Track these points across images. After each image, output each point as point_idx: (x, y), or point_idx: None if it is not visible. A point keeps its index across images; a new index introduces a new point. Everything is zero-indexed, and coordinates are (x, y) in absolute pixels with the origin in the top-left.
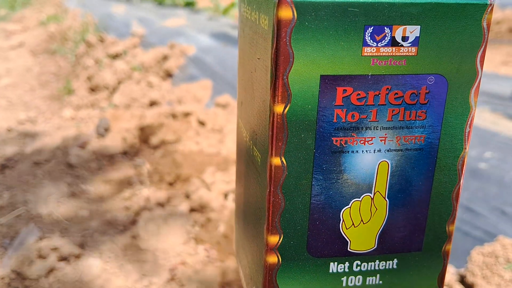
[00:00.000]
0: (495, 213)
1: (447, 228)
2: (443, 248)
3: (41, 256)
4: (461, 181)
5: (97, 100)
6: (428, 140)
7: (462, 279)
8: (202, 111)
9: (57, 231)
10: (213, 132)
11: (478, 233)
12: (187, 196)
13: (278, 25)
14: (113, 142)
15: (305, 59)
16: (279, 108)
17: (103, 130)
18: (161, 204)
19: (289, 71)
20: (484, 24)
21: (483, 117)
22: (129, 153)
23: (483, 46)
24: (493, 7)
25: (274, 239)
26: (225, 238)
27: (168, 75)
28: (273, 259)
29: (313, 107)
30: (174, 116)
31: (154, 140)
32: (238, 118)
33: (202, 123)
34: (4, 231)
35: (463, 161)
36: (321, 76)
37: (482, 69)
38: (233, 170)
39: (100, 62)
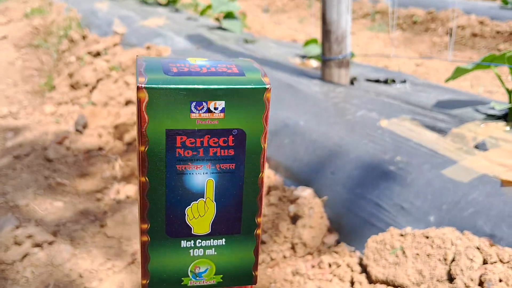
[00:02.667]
0: (395, 208)
1: (256, 220)
2: (255, 232)
3: (17, 243)
4: (263, 191)
5: (77, 97)
6: (236, 167)
7: (360, 261)
8: None
9: (33, 221)
10: None
11: (381, 224)
12: None
13: (138, 100)
14: (90, 138)
15: (155, 120)
16: (142, 148)
17: (81, 127)
18: (129, 197)
19: (146, 127)
20: (265, 99)
21: (402, 125)
22: (103, 149)
23: (266, 111)
24: (270, 89)
25: (144, 226)
26: None
27: None
28: (144, 238)
29: (163, 148)
30: None
31: (128, 137)
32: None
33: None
34: None
35: (262, 179)
36: (166, 129)
37: (267, 124)
38: None
39: (81, 59)
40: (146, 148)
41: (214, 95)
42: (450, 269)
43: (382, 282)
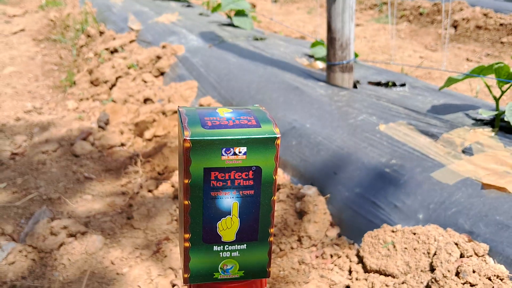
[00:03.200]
0: (389, 206)
1: (269, 231)
2: (268, 239)
3: (53, 233)
4: (274, 209)
5: (97, 93)
6: (255, 192)
7: (357, 253)
8: None
9: (65, 213)
10: None
11: (377, 221)
12: (172, 186)
13: (184, 148)
14: (112, 134)
15: (196, 161)
16: (186, 181)
17: (103, 123)
18: (151, 191)
19: (189, 166)
20: (276, 144)
21: (399, 130)
22: (125, 145)
23: (277, 153)
24: (279, 137)
25: (187, 236)
26: None
27: (161, 73)
28: (187, 244)
29: (201, 180)
30: (164, 113)
31: (147, 134)
32: (178, 178)
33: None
34: (20, 212)
35: (273, 201)
36: (204, 168)
37: (278, 163)
38: None
39: (99, 55)
40: (189, 181)
41: (238, 143)
42: (432, 262)
43: (376, 271)
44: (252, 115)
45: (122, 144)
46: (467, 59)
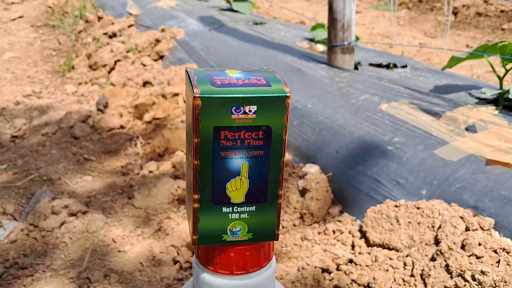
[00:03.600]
0: (392, 183)
1: (278, 192)
2: (277, 201)
3: (54, 213)
4: (283, 170)
5: (95, 77)
6: (264, 153)
7: (360, 229)
8: None
9: (66, 193)
10: None
11: (379, 197)
12: (173, 166)
13: (194, 106)
14: (112, 117)
15: (205, 120)
16: (195, 140)
17: (102, 106)
18: (151, 172)
19: (199, 125)
20: (286, 103)
21: (401, 108)
22: (125, 127)
23: (287, 113)
24: (290, 96)
25: (196, 196)
26: None
27: (160, 57)
28: (195, 205)
29: (211, 140)
30: (163, 96)
31: (147, 117)
32: (185, 139)
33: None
34: (21, 193)
35: (283, 162)
36: (214, 126)
37: (288, 122)
38: None
39: (98, 40)
40: (199, 140)
41: (249, 101)
42: (437, 235)
43: (379, 246)
44: (261, 75)
45: (122, 127)
46: (467, 46)
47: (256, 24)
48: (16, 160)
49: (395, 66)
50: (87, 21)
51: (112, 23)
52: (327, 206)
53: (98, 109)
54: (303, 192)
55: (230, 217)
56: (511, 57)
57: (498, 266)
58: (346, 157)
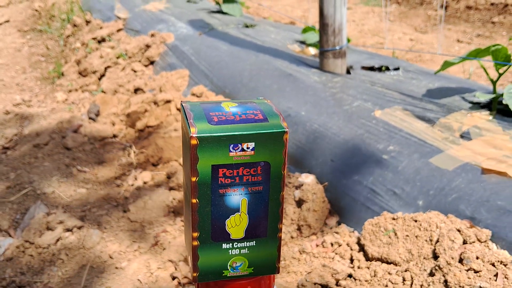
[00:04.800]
0: (388, 193)
1: (278, 226)
2: (277, 235)
3: (50, 228)
4: (283, 205)
5: (86, 84)
6: (264, 189)
7: (358, 241)
8: (180, 99)
9: (60, 207)
10: None
11: (376, 208)
12: (168, 177)
13: (191, 146)
14: (104, 126)
15: (203, 158)
16: (193, 179)
17: (94, 115)
18: (146, 183)
19: (197, 163)
20: (284, 139)
21: (395, 115)
22: (117, 136)
23: (285, 147)
24: (288, 132)
25: (195, 234)
26: None
27: (150, 62)
28: (195, 243)
29: (209, 178)
30: (156, 103)
31: (139, 125)
32: (183, 175)
33: (180, 111)
34: (15, 208)
35: (282, 196)
36: (212, 165)
37: (286, 158)
38: None
39: (86, 45)
40: (197, 179)
41: (247, 138)
42: (435, 249)
43: (377, 259)
44: (258, 109)
45: (114, 136)
46: (458, 40)
47: (247, 26)
48: (8, 173)
49: (387, 69)
50: (75, 25)
51: (101, 27)
52: (324, 217)
53: (90, 118)
54: (299, 203)
55: (230, 253)
56: (504, 61)
57: (496, 280)
58: (342, 165)
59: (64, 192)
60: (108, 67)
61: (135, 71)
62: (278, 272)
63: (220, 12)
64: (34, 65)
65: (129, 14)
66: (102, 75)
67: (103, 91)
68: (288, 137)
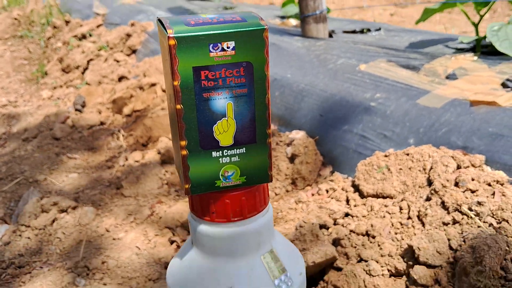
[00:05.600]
0: (379, 137)
1: (267, 131)
2: (267, 140)
3: (44, 211)
4: (269, 108)
5: (70, 79)
6: (248, 91)
7: (353, 183)
8: None
9: (54, 192)
10: None
11: (368, 152)
12: (159, 152)
13: (169, 47)
14: (90, 115)
15: (183, 60)
16: (176, 83)
17: (80, 106)
18: (137, 161)
19: (177, 66)
20: (264, 36)
21: (379, 67)
22: (105, 123)
23: (266, 47)
24: (267, 28)
25: (183, 143)
26: None
27: (132, 51)
28: (184, 152)
29: (191, 81)
30: (141, 87)
31: (126, 110)
32: (166, 84)
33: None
34: (9, 197)
35: (268, 99)
36: (193, 67)
37: (268, 56)
38: None
39: (68, 43)
40: (179, 83)
41: (226, 37)
42: (429, 176)
43: (373, 196)
44: (236, 14)
45: (102, 123)
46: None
47: (226, 9)
48: None
49: (369, 30)
50: (55, 27)
51: (81, 25)
52: (318, 168)
53: (76, 109)
54: (292, 158)
55: (221, 162)
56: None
57: (493, 197)
58: (331, 119)
59: (56, 178)
60: (91, 60)
61: (117, 61)
62: (271, 181)
63: None
64: (17, 69)
65: (107, 9)
66: (85, 69)
67: (87, 84)
68: (268, 35)
